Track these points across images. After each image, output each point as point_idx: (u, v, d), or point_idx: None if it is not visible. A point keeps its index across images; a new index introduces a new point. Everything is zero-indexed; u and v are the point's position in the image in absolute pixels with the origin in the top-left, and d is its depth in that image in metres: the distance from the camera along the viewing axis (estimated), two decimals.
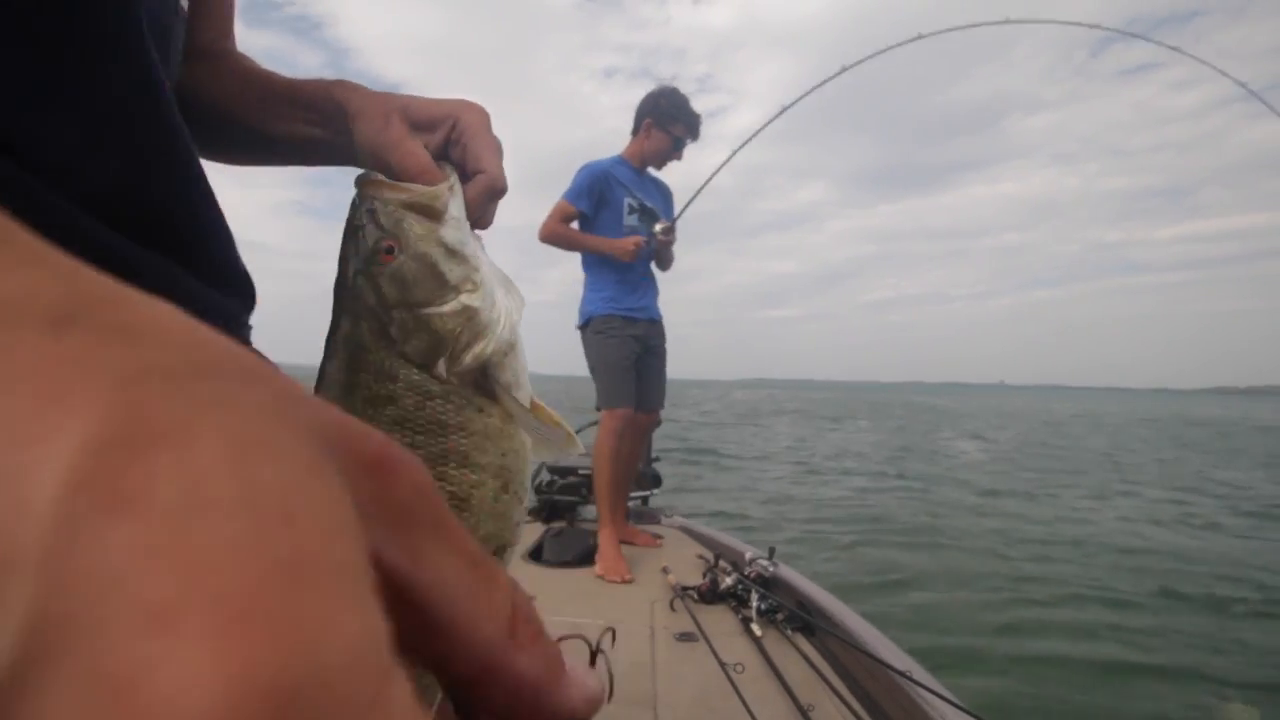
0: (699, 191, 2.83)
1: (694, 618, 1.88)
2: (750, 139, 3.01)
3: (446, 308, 0.41)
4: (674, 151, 2.67)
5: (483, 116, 0.47)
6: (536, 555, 2.51)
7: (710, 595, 2.03)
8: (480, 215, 0.46)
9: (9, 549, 0.09)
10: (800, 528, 5.58)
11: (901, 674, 1.44)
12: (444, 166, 0.45)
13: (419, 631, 0.14)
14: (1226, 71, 2.94)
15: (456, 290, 0.41)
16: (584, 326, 2.65)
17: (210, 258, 0.43)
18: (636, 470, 2.83)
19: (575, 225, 2.61)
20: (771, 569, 2.10)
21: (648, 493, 3.24)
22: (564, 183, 2.64)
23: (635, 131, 2.68)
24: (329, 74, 0.55)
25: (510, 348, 0.43)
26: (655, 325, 2.68)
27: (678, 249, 2.70)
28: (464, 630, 0.14)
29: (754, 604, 1.91)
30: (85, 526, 0.09)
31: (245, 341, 0.48)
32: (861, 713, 1.40)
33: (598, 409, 2.63)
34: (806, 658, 1.63)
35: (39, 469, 0.09)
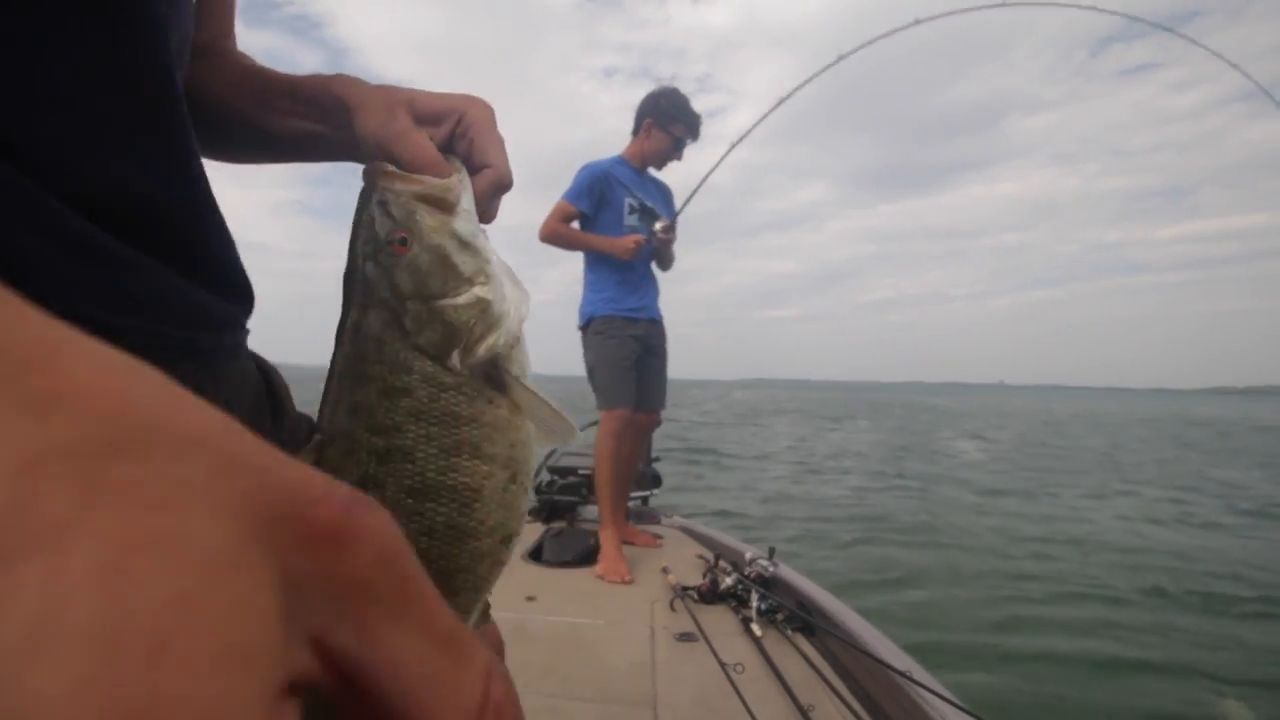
0: (699, 186, 2.82)
1: (694, 618, 1.88)
2: (752, 129, 2.99)
3: (460, 300, 0.41)
4: (674, 152, 2.67)
5: (488, 111, 0.47)
6: (536, 555, 2.52)
7: (710, 595, 2.03)
8: (486, 209, 0.46)
9: None
10: (800, 526, 5.60)
11: (901, 674, 1.45)
12: (451, 160, 0.45)
13: None
14: (1250, 74, 2.89)
15: (470, 282, 0.41)
16: (585, 327, 2.65)
17: (209, 261, 0.43)
18: (637, 470, 2.83)
19: (576, 225, 2.61)
20: (771, 569, 2.10)
21: (648, 493, 3.24)
22: (563, 183, 2.64)
23: (635, 132, 2.68)
24: (328, 73, 0.54)
25: (517, 340, 0.43)
26: (656, 325, 2.68)
27: (677, 249, 2.70)
28: None
29: (754, 604, 1.92)
30: None
31: (240, 346, 0.48)
32: (861, 713, 1.40)
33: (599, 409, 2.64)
34: (806, 658, 1.63)
35: None
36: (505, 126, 0.48)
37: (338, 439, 0.39)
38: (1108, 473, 10.18)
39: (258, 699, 0.10)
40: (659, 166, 2.72)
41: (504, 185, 0.46)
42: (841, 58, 2.80)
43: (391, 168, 0.42)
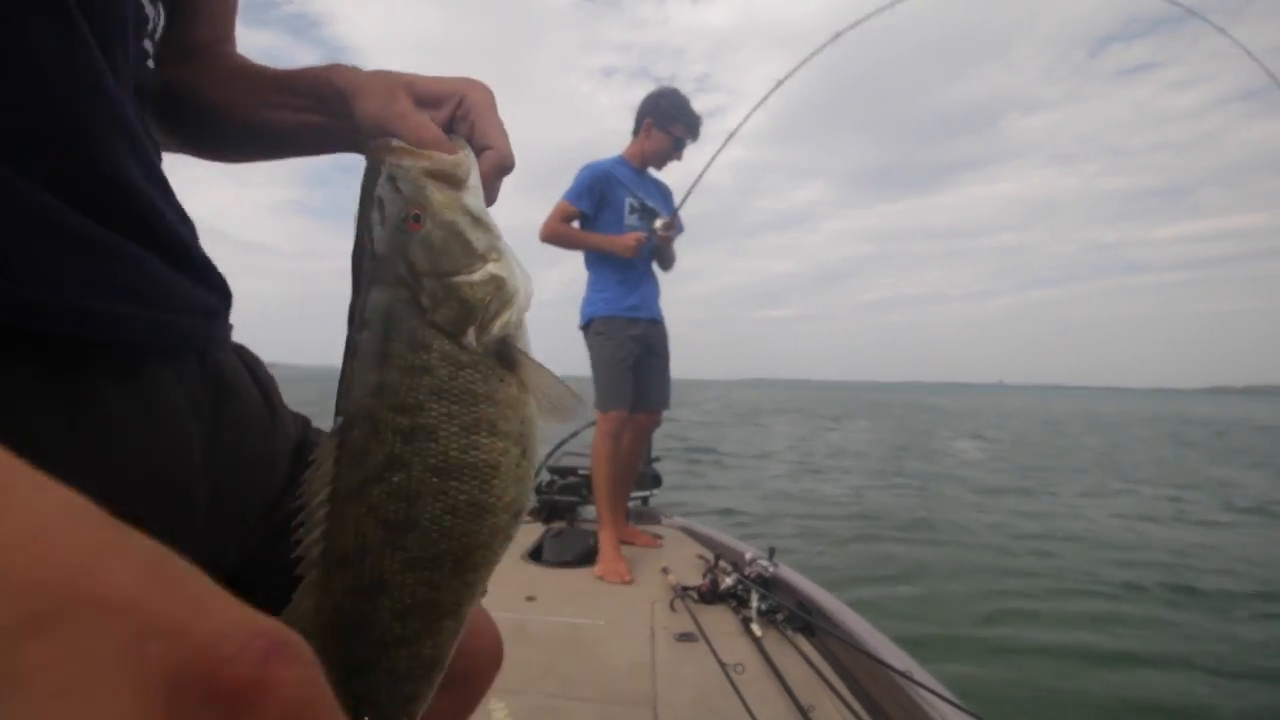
0: (702, 173, 2.80)
1: (694, 618, 1.88)
2: (762, 101, 2.93)
3: (476, 276, 0.41)
4: (674, 152, 2.66)
5: (488, 94, 0.47)
6: (536, 555, 2.51)
7: (710, 595, 2.03)
8: (489, 191, 0.46)
9: None
10: (799, 524, 5.62)
11: (901, 674, 1.45)
12: (455, 138, 0.45)
13: None
14: (1273, 71, 2.82)
15: (484, 259, 0.41)
16: (585, 327, 2.65)
17: (189, 253, 0.43)
18: (637, 470, 2.83)
19: (576, 225, 2.61)
20: (771, 569, 2.10)
21: (648, 493, 3.24)
22: (563, 183, 2.64)
23: (635, 132, 2.68)
24: (324, 64, 0.54)
25: (522, 319, 0.43)
26: (657, 325, 2.68)
27: (677, 248, 2.70)
28: None
29: (754, 604, 1.92)
30: None
31: (225, 339, 0.48)
32: (862, 713, 1.40)
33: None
34: (807, 658, 1.63)
35: None
36: (505, 126, 0.48)
37: (361, 420, 0.39)
38: (1106, 472, 10.20)
39: None
40: (659, 167, 2.72)
41: (506, 166, 0.46)
42: (838, 35, 2.78)
43: (399, 143, 0.42)
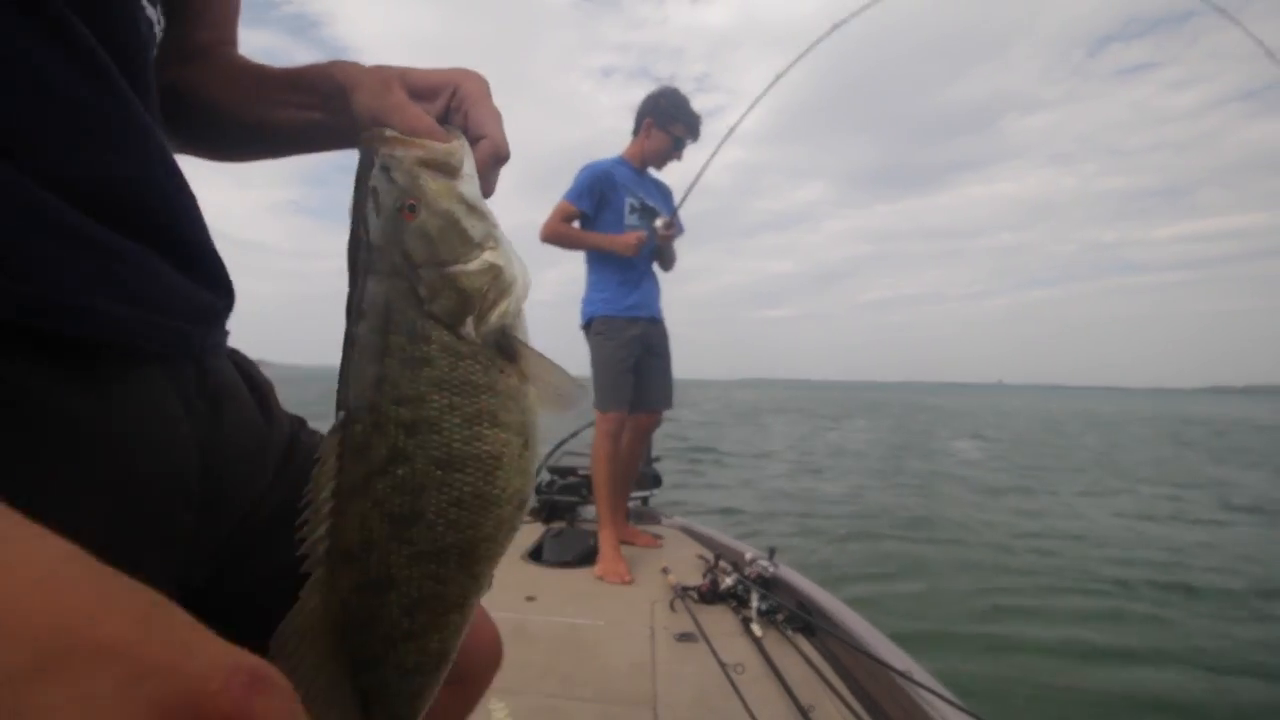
0: (702, 170, 2.80)
1: (694, 618, 1.88)
2: (767, 90, 2.92)
3: (473, 265, 0.40)
4: (674, 152, 2.66)
5: (482, 84, 0.47)
6: (536, 555, 2.51)
7: (710, 595, 2.03)
8: (485, 181, 0.45)
9: None
10: (799, 522, 5.64)
11: (901, 674, 1.45)
12: (450, 129, 0.44)
13: None
14: None
15: (480, 247, 0.41)
16: (586, 327, 2.65)
17: (194, 252, 0.43)
18: (637, 470, 2.83)
19: (576, 225, 2.61)
20: (772, 569, 2.10)
21: (648, 493, 3.24)
22: (562, 182, 2.64)
23: (635, 132, 2.68)
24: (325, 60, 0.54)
25: (520, 309, 0.43)
26: (657, 325, 2.68)
27: (677, 248, 2.70)
28: None
29: (754, 604, 1.92)
30: None
31: (220, 345, 0.48)
32: (862, 713, 1.40)
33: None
34: (807, 658, 1.63)
35: None
36: (501, 116, 0.48)
37: (362, 414, 0.39)
38: (1105, 471, 10.21)
39: None
40: (659, 166, 2.72)
41: (502, 155, 0.46)
42: (836, 26, 2.77)
43: (392, 132, 0.42)
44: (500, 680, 0.65)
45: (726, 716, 1.39)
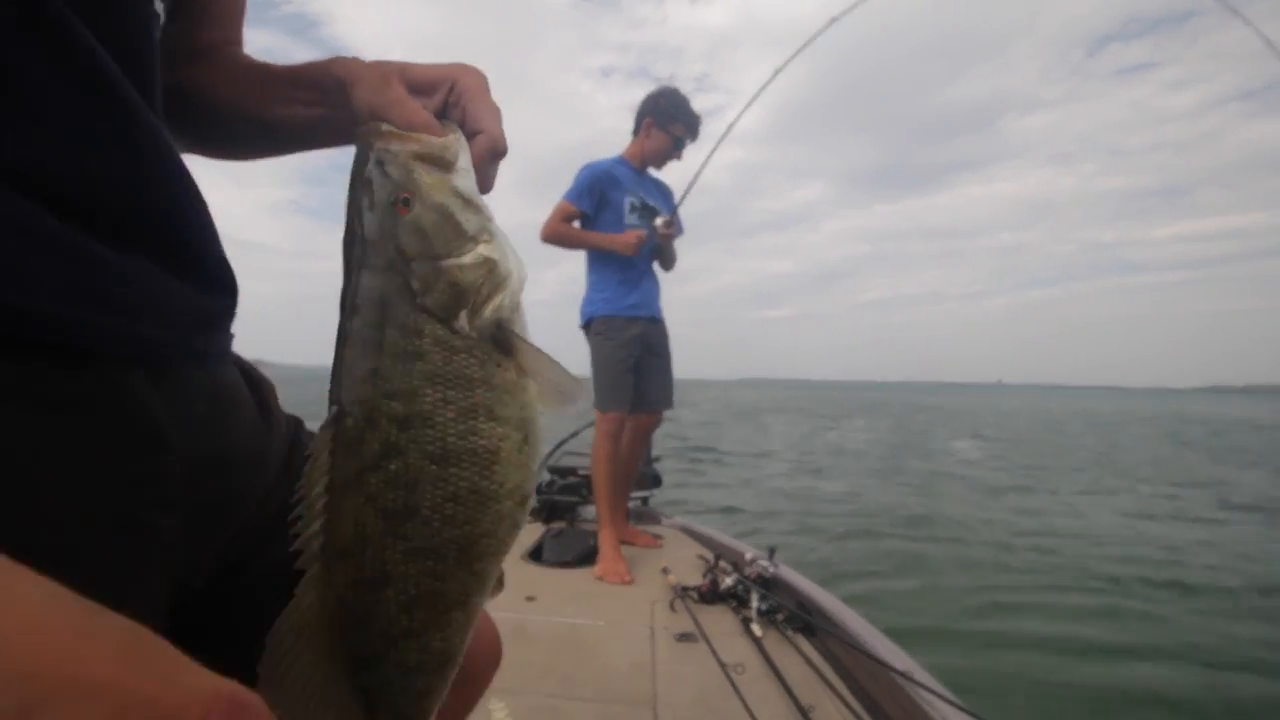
0: (702, 167, 2.79)
1: (694, 618, 1.88)
2: (755, 97, 2.92)
3: (466, 259, 0.40)
4: (674, 151, 2.66)
5: (481, 79, 0.47)
6: (536, 555, 2.51)
7: (710, 595, 2.03)
8: (483, 177, 0.45)
9: None
10: (799, 521, 5.65)
11: (902, 674, 1.45)
12: (447, 124, 0.44)
13: None
14: None
15: (474, 241, 0.41)
16: (585, 327, 2.65)
17: (198, 256, 0.42)
18: (637, 470, 2.83)
19: (577, 225, 2.61)
20: (772, 569, 2.10)
21: (648, 493, 3.24)
22: (562, 182, 2.65)
23: (635, 132, 2.68)
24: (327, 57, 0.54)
25: (517, 304, 0.43)
26: (657, 324, 2.67)
27: (677, 248, 2.70)
28: None
29: (754, 604, 1.92)
30: None
31: (224, 351, 0.47)
32: (862, 713, 1.40)
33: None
34: (807, 658, 1.63)
35: None
36: (499, 111, 0.48)
37: (355, 408, 0.39)
38: (1104, 470, 10.22)
39: None
40: (659, 166, 2.72)
41: (499, 151, 0.46)
42: (834, 20, 2.77)
43: (387, 126, 0.42)
44: (500, 680, 0.65)
45: (726, 716, 1.38)
